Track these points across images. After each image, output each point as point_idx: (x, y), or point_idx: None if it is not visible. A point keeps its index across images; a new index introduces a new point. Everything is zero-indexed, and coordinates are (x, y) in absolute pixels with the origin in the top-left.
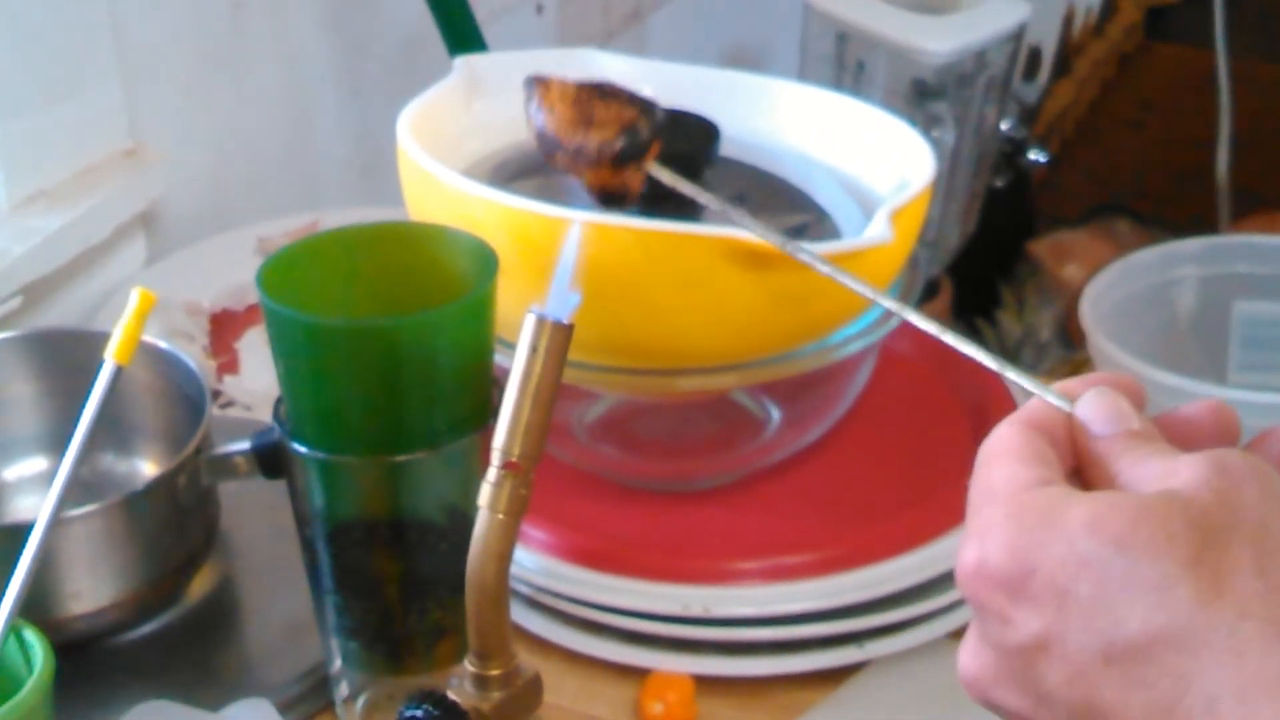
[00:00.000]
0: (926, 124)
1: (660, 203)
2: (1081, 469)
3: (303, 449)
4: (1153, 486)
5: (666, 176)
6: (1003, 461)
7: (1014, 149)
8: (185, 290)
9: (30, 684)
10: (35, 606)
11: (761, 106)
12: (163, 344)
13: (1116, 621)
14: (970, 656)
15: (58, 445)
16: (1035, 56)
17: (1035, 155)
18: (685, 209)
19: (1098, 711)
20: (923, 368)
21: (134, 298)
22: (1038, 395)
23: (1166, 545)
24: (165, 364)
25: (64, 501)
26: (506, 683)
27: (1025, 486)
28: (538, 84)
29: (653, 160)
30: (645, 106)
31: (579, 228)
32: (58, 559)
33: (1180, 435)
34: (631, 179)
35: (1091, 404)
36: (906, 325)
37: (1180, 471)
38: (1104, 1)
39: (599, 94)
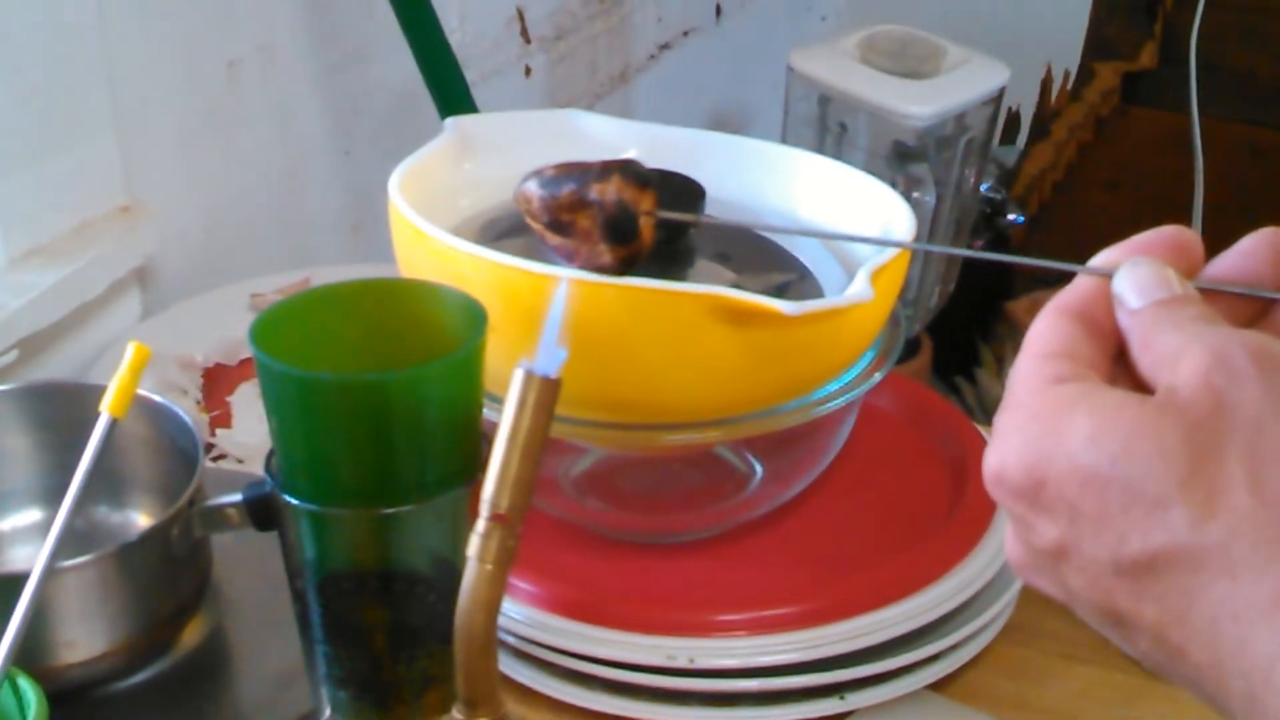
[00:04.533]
0: (907, 185)
1: (648, 260)
2: (1124, 347)
3: (294, 501)
4: (1159, 375)
5: (674, 215)
6: (1025, 357)
7: (993, 210)
8: (179, 345)
9: None
10: (30, 655)
11: (745, 167)
12: (157, 397)
13: (1120, 539)
14: (1010, 544)
15: (52, 496)
16: (1014, 120)
17: (1013, 216)
18: (672, 266)
19: (1117, 615)
20: (903, 422)
21: (129, 352)
22: (1080, 273)
23: (1161, 464)
24: (159, 417)
25: (59, 552)
26: None
27: (1039, 388)
28: (523, 202)
29: (652, 210)
30: (625, 175)
31: (566, 285)
32: (52, 608)
33: (1240, 273)
34: (643, 233)
35: (1125, 276)
36: (887, 380)
37: (1183, 365)
38: (1081, 66)
39: (574, 202)
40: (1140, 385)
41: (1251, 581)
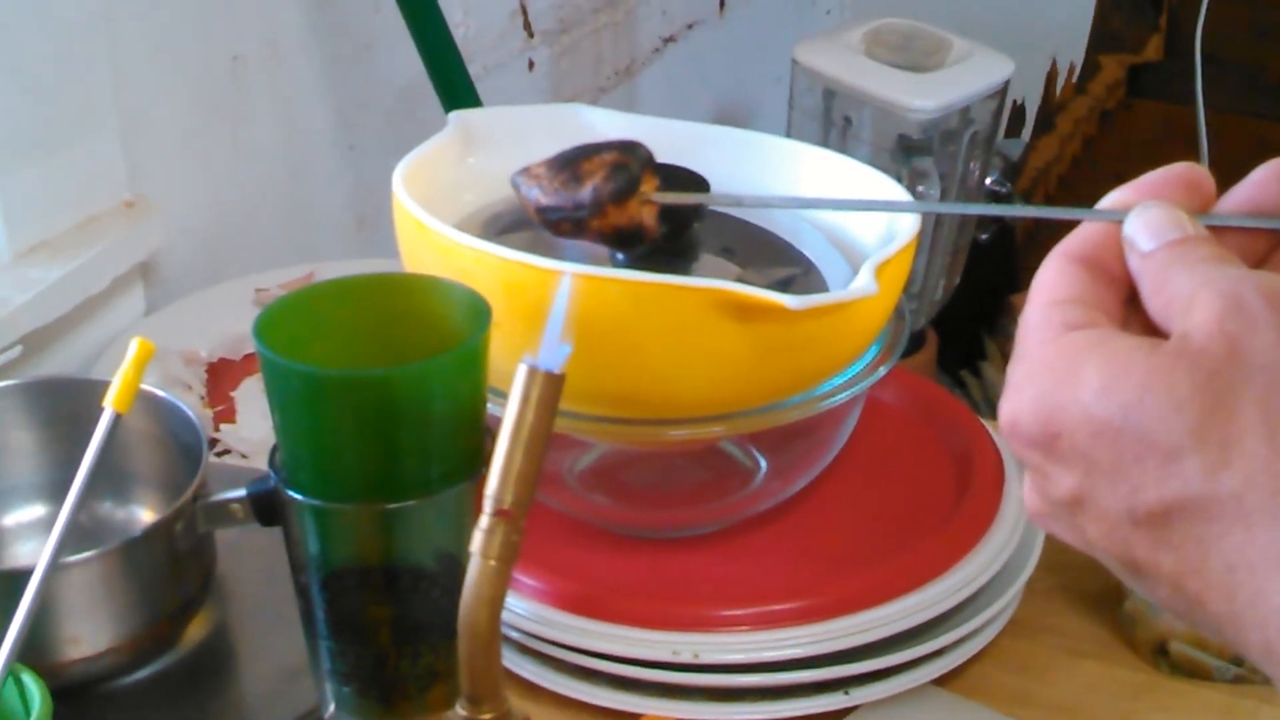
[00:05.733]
0: (912, 179)
1: (651, 255)
2: (1135, 291)
3: (298, 496)
4: (1171, 319)
5: (673, 198)
6: (1033, 305)
7: (998, 203)
8: (183, 340)
9: None
10: (34, 651)
11: (750, 161)
12: (161, 393)
13: (1135, 489)
14: (1028, 493)
15: (56, 492)
16: (1019, 113)
17: None
18: (676, 261)
19: (1136, 565)
20: (908, 416)
21: (133, 347)
22: (1090, 219)
23: (1174, 414)
24: (163, 412)
25: (63, 547)
26: None
27: (1050, 337)
28: (520, 173)
29: (652, 189)
30: (625, 146)
31: (570, 280)
32: (56, 604)
33: (1252, 204)
34: (641, 214)
35: (1136, 220)
36: (891, 375)
37: (1196, 311)
38: (1086, 60)
39: (579, 154)
40: (1152, 329)
41: (1266, 531)
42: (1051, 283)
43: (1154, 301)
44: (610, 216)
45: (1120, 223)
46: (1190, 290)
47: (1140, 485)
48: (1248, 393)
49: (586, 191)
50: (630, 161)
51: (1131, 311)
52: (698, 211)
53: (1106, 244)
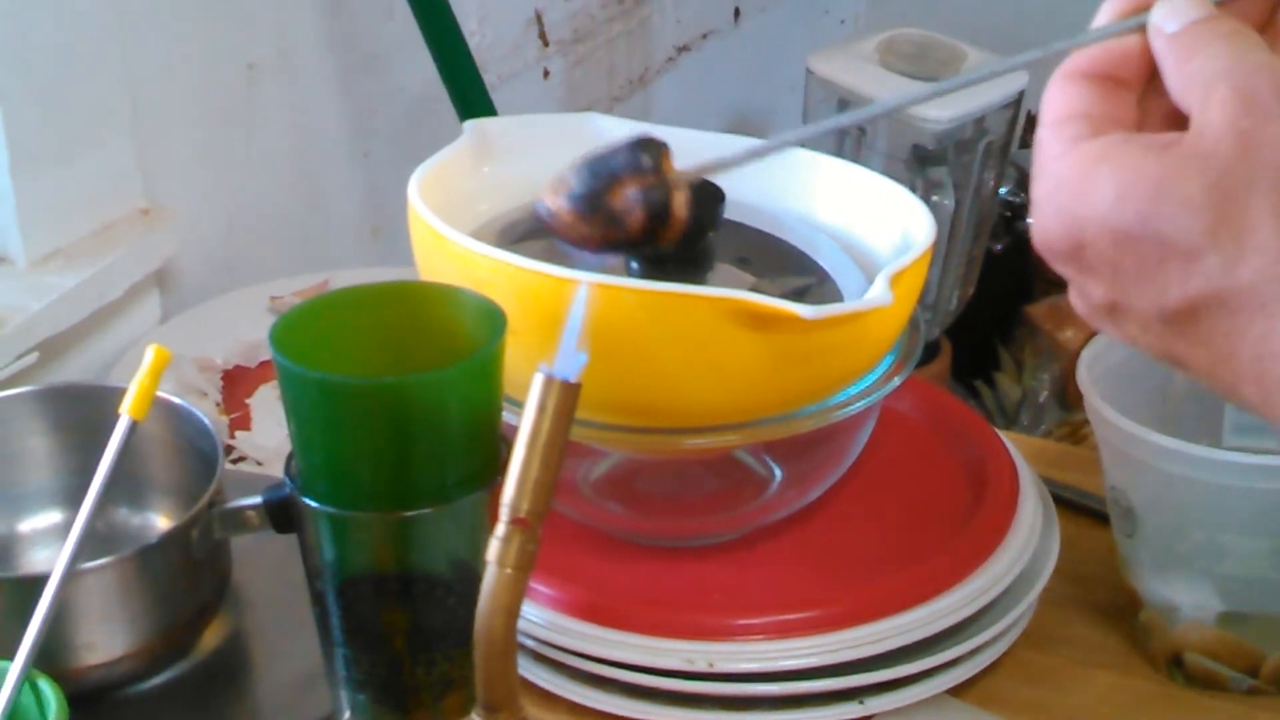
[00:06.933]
0: (926, 189)
1: (666, 264)
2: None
3: (313, 504)
4: (1189, 100)
5: (694, 169)
6: (1041, 127)
7: (1013, 214)
8: (199, 347)
9: None
10: (50, 657)
11: (764, 170)
12: (176, 400)
13: (1161, 290)
14: (1073, 300)
15: (72, 498)
16: (1033, 123)
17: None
18: (691, 271)
19: (1175, 359)
20: (922, 426)
21: (149, 354)
22: (1115, 31)
23: (1189, 216)
24: (179, 419)
25: (79, 554)
26: None
27: (1061, 152)
28: (548, 216)
29: (673, 171)
30: (636, 158)
31: (586, 289)
32: (72, 610)
33: None
34: (674, 204)
35: (1163, 5)
36: (906, 384)
37: (1211, 106)
38: None
39: (598, 184)
40: (1172, 119)
41: None
42: (1054, 102)
43: (1175, 80)
44: (657, 235)
45: (1134, 30)
46: (1208, 77)
47: (1165, 286)
48: (1260, 187)
49: (630, 227)
50: (654, 182)
51: (1147, 109)
52: (712, 222)
53: (1108, 55)
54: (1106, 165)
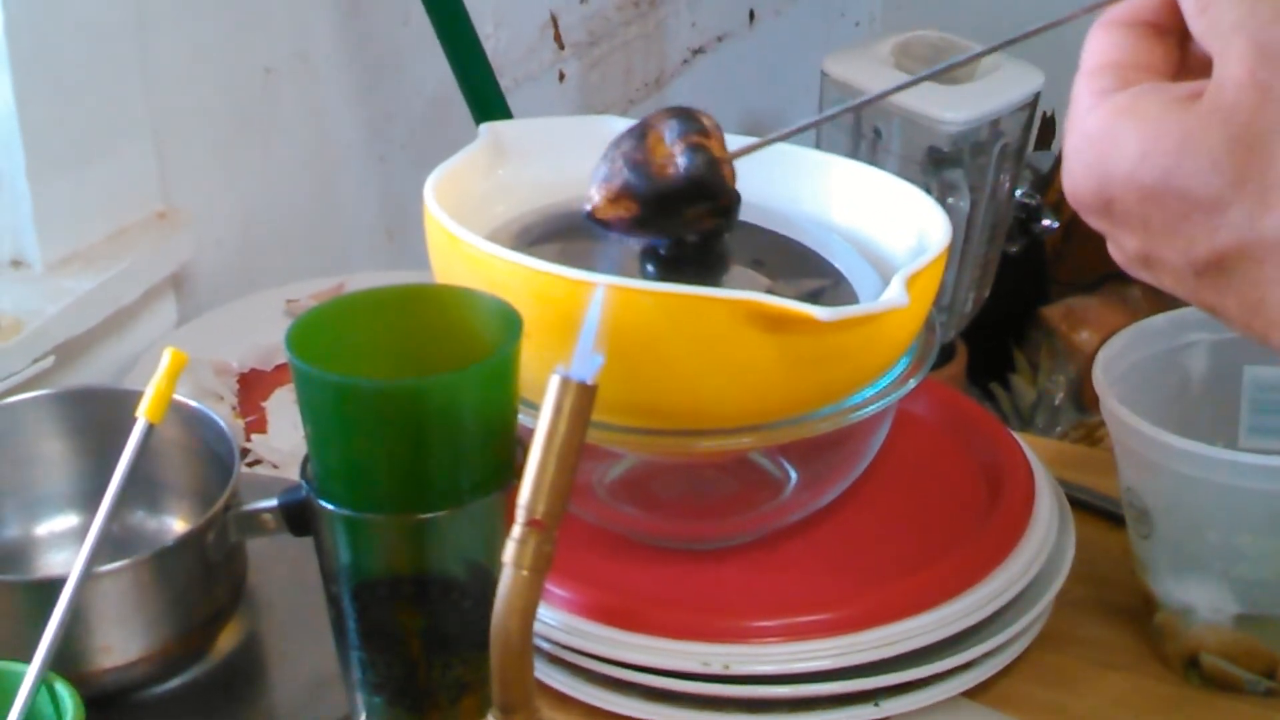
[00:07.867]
0: (942, 191)
1: (683, 266)
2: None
3: (329, 506)
4: (1210, 46)
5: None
6: (1078, 77)
7: (1028, 216)
8: (215, 350)
9: None
10: (66, 660)
11: (779, 173)
12: (193, 403)
13: (1188, 244)
14: (1111, 251)
15: (89, 502)
16: (1049, 125)
17: (1049, 222)
18: (706, 273)
19: (1210, 308)
20: (938, 429)
21: (165, 357)
22: None
23: (1212, 172)
24: (195, 422)
25: (95, 557)
26: None
27: (1089, 106)
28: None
29: (723, 149)
30: (692, 144)
31: (602, 291)
32: (89, 613)
33: None
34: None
35: None
36: (921, 387)
37: (1230, 60)
38: None
39: (662, 185)
40: (1208, 61)
41: None
42: (1093, 48)
43: (1195, 27)
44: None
45: None
46: (1225, 28)
47: (1193, 239)
48: None
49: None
50: (706, 144)
51: (1188, 52)
52: (727, 224)
53: (1148, 2)
54: (1130, 120)
